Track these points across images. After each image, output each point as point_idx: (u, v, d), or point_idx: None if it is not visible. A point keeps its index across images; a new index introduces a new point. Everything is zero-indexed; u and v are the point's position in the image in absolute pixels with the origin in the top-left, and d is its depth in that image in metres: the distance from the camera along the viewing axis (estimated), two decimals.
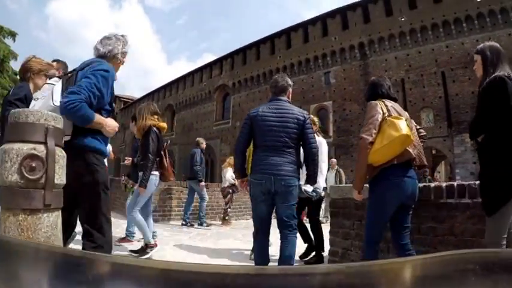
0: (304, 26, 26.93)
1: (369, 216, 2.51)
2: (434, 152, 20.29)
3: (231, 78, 33.23)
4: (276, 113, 2.90)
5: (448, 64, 20.09)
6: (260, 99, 29.67)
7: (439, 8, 20.42)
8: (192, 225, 6.90)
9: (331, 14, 25.10)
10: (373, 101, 2.54)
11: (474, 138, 2.26)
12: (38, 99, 2.10)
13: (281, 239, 2.86)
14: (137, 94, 50.32)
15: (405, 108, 15.49)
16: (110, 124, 2.14)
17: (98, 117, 2.03)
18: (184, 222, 6.98)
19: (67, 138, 1.88)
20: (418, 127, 2.83)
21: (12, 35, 36.00)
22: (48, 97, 2.04)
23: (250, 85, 31.04)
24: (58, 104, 1.96)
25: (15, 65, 39.01)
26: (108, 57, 2.27)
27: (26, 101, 2.51)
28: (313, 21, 26.33)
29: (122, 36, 2.36)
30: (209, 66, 36.84)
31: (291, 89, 3.17)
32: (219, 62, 35.40)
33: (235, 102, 32.67)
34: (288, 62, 27.50)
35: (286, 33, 28.35)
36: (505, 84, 2.07)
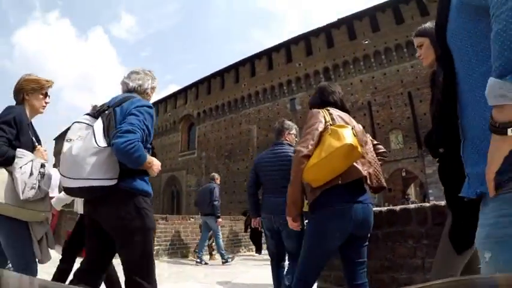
0: (268, 53, 26.96)
1: (304, 250, 2.07)
2: (404, 174, 20.20)
3: (195, 108, 32.73)
4: (272, 157, 3.22)
5: (414, 84, 20.18)
6: (225, 128, 29.27)
7: (402, 28, 20.75)
8: (206, 263, 6.67)
9: (295, 40, 25.26)
10: (314, 109, 2.18)
11: (433, 149, 1.56)
12: (71, 140, 1.88)
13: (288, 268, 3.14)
14: None
15: (373, 132, 15.29)
16: (156, 163, 1.96)
17: (148, 157, 1.88)
18: (199, 260, 6.60)
19: (113, 182, 1.81)
20: (375, 142, 2.48)
21: None
22: (88, 138, 1.84)
23: (215, 114, 30.61)
24: (103, 144, 1.79)
25: None
26: (138, 91, 2.15)
27: (16, 125, 2.16)
28: (277, 48, 26.39)
29: (149, 71, 2.27)
30: (174, 96, 36.34)
31: (288, 131, 3.29)
32: (184, 91, 34.94)
33: (200, 132, 32.09)
34: (252, 90, 27.34)
35: (250, 61, 28.30)
36: None
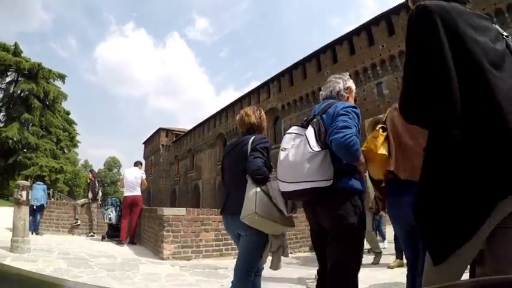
0: (348, 37, 26.03)
1: None
2: None
3: (279, 100, 32.98)
4: None
5: None
6: None
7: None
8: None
9: (375, 21, 23.97)
10: None
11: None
12: (286, 149, 2.13)
13: None
14: (189, 126, 51.91)
15: None
16: (363, 161, 2.09)
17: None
18: None
19: (329, 183, 1.97)
20: None
21: (61, 77, 38.84)
22: (302, 144, 2.04)
23: (300, 106, 30.51)
24: (317, 149, 1.99)
25: (66, 105, 42.07)
26: (334, 97, 2.36)
27: (267, 151, 2.65)
28: (357, 32, 25.31)
29: (340, 75, 2.48)
30: (256, 91, 36.99)
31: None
32: (266, 85, 35.38)
33: (286, 125, 32.21)
34: None
35: (331, 48, 27.61)
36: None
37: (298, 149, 2.04)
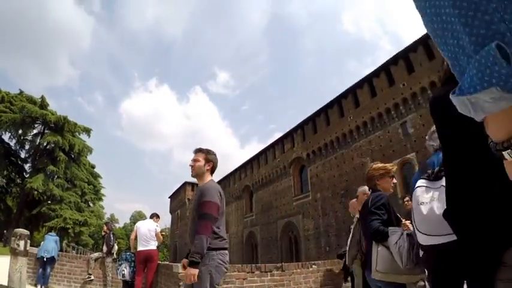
0: (368, 80, 26.52)
1: None
2: None
3: (304, 149, 33.18)
4: None
5: None
6: (337, 165, 28.92)
7: None
8: None
9: (393, 60, 24.46)
10: None
11: None
12: (424, 202, 2.21)
13: None
14: (215, 179, 51.81)
15: None
16: None
17: None
18: None
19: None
20: None
21: (87, 131, 40.48)
22: (441, 198, 2.08)
23: (325, 153, 30.56)
24: None
25: (91, 159, 43.43)
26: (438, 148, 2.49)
27: (385, 207, 2.85)
28: (376, 73, 25.86)
29: None
30: (280, 141, 37.43)
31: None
32: (290, 135, 35.83)
33: (312, 173, 32.16)
34: (359, 121, 26.89)
35: (352, 92, 28.09)
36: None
37: (440, 203, 2.10)
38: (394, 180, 3.15)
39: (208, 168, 3.30)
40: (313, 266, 6.73)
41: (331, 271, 7.16)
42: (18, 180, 38.78)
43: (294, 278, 6.31)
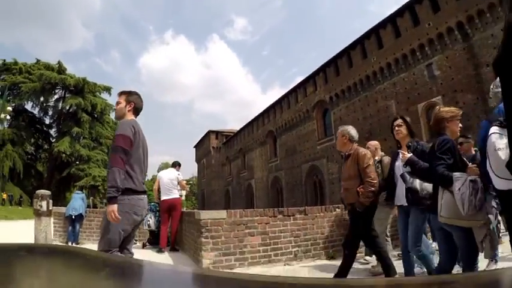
0: (392, 20, 25.27)
1: None
2: None
3: (327, 92, 32.76)
4: None
5: None
6: (361, 108, 28.62)
7: None
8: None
9: None
10: None
11: None
12: (502, 148, 2.32)
13: None
14: (238, 126, 52.79)
15: None
16: None
17: None
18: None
19: None
20: None
21: (107, 89, 41.20)
22: None
23: (348, 96, 30.14)
24: None
25: (113, 116, 44.46)
26: None
27: (450, 152, 2.90)
28: (400, 13, 24.61)
29: None
30: (302, 85, 36.94)
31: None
32: (312, 78, 35.23)
33: (335, 116, 31.99)
34: (383, 62, 26.08)
35: (375, 33, 26.99)
36: None
37: None
38: (460, 125, 3.19)
39: (129, 109, 3.23)
40: (337, 210, 6.46)
41: None
42: (46, 146, 40.53)
43: (317, 221, 6.19)
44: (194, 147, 67.07)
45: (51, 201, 6.29)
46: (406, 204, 3.58)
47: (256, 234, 5.60)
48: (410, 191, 3.35)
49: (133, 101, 3.26)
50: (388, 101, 26.14)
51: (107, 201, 2.83)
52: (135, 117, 3.29)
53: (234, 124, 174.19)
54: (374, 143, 5.50)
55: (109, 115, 42.27)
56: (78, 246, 7.76)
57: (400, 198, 3.72)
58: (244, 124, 50.52)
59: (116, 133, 3.05)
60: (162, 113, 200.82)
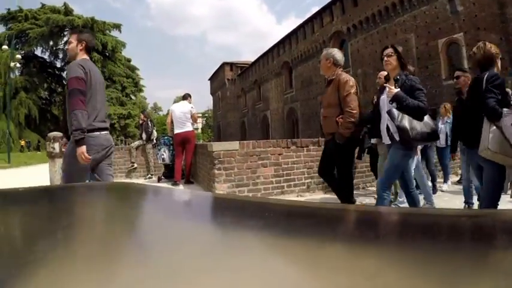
0: None
1: None
2: None
3: (344, 23, 31.97)
4: None
5: None
6: (380, 40, 28.09)
7: None
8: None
9: None
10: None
11: None
12: None
13: None
14: (253, 58, 52.20)
15: None
16: None
17: None
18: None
19: None
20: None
21: (117, 26, 40.86)
22: None
23: (367, 27, 29.47)
24: None
25: (126, 53, 44.45)
26: None
27: (501, 88, 2.87)
28: None
29: None
30: (319, 15, 35.88)
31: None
32: (329, 8, 34.13)
33: (353, 48, 31.56)
34: None
35: None
36: None
37: None
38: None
39: (81, 48, 3.17)
40: None
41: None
42: (59, 89, 40.95)
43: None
44: (209, 79, 66.92)
45: (63, 142, 6.25)
46: (389, 143, 3.42)
47: (269, 166, 5.61)
48: (399, 130, 3.16)
49: (85, 39, 3.21)
50: (407, 34, 25.68)
51: (76, 144, 2.90)
52: (88, 55, 3.27)
53: (249, 56, 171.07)
54: (385, 74, 5.15)
55: (120, 53, 42.15)
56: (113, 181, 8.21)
57: (384, 136, 3.48)
58: (259, 55, 49.98)
59: (68, 77, 3.06)
60: (174, 47, 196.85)
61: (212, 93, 67.06)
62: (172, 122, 7.57)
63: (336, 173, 4.09)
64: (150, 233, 0.40)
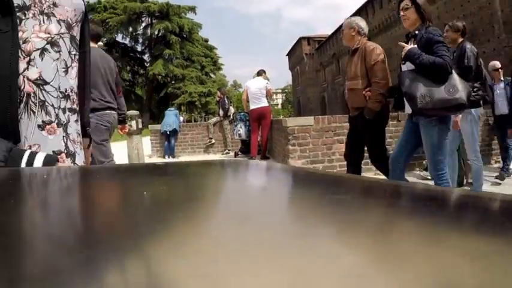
0: None
1: None
2: None
3: None
4: None
5: None
6: (461, 5, 26.78)
7: None
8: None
9: None
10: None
11: None
12: None
13: None
14: (329, 31, 51.80)
15: None
16: None
17: None
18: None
19: None
20: None
21: (192, 9, 43.03)
22: None
23: None
24: None
25: (203, 34, 46.45)
26: None
27: None
28: None
29: None
30: None
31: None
32: None
33: (433, 16, 30.35)
34: None
35: None
36: None
37: None
38: None
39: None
40: None
41: None
42: (142, 71, 44.34)
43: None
44: (286, 55, 67.41)
45: (140, 120, 6.56)
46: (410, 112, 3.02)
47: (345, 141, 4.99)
48: (406, 97, 2.83)
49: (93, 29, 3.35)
50: None
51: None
52: (96, 43, 3.56)
53: (325, 29, 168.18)
54: None
55: (197, 33, 44.23)
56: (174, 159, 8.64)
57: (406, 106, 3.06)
58: (336, 28, 49.38)
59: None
60: (249, 26, 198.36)
61: (291, 69, 67.50)
62: (247, 98, 7.69)
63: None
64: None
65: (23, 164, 0.70)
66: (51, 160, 0.76)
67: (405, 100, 2.86)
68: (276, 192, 0.43)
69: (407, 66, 2.92)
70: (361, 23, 3.64)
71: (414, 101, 2.66)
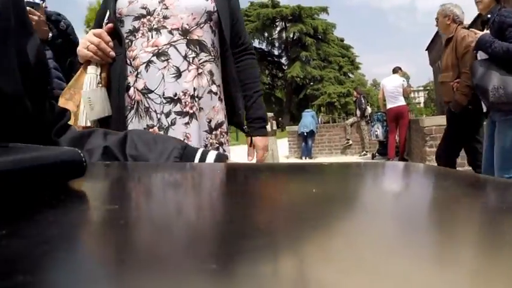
0: None
1: None
2: None
3: None
4: None
5: None
6: None
7: None
8: None
9: None
10: None
11: None
12: None
13: None
14: (469, 20, 47.05)
15: None
16: None
17: None
18: None
19: None
20: None
21: (324, 10, 42.42)
22: None
23: None
24: None
25: (337, 33, 45.59)
26: None
27: None
28: None
29: None
30: None
31: None
32: None
33: None
34: None
35: None
36: None
37: None
38: None
39: None
40: None
41: None
42: (280, 74, 45.18)
43: None
44: (426, 49, 63.12)
45: (274, 122, 6.62)
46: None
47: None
48: (477, 91, 2.51)
49: None
50: None
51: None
52: None
53: (468, 16, 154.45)
54: None
55: (332, 34, 43.62)
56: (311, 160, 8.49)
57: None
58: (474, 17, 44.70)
59: None
60: (384, 21, 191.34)
61: (431, 64, 62.89)
62: (384, 97, 7.42)
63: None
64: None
65: (196, 161, 0.77)
66: (222, 158, 0.85)
67: (478, 95, 2.55)
68: (433, 198, 0.38)
69: (480, 56, 2.56)
70: (456, 9, 3.31)
71: (486, 94, 2.36)
